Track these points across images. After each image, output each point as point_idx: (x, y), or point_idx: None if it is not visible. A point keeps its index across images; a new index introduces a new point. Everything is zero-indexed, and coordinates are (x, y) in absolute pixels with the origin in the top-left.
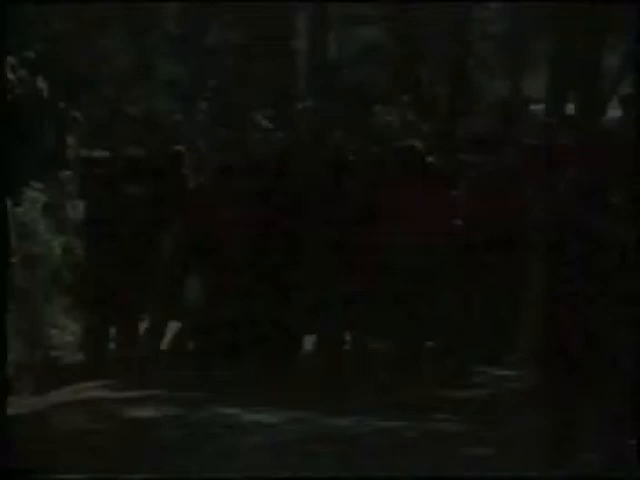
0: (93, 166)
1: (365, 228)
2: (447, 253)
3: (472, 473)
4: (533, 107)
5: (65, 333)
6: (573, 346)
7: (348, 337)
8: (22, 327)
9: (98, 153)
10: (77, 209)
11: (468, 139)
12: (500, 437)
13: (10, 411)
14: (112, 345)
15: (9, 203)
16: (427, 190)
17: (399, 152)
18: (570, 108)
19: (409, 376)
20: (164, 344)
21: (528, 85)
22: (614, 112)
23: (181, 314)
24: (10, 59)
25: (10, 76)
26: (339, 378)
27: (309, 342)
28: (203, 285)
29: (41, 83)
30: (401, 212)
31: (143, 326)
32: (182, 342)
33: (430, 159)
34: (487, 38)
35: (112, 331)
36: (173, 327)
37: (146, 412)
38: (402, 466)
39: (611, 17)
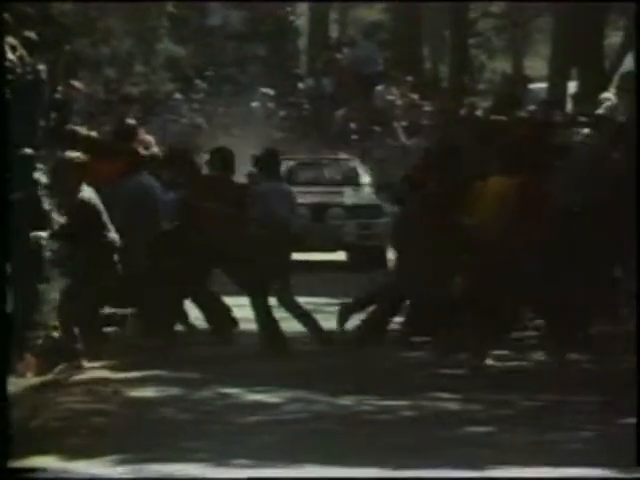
0: (93, 146)
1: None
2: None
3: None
4: (535, 86)
5: None
6: None
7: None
8: (23, 308)
9: (97, 133)
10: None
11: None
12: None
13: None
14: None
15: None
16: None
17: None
18: (572, 86)
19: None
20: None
21: (530, 64)
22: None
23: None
24: (11, 39)
25: (10, 56)
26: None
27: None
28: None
29: (41, 63)
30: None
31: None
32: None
33: None
34: (488, 16)
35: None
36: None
37: (147, 392)
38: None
39: None
